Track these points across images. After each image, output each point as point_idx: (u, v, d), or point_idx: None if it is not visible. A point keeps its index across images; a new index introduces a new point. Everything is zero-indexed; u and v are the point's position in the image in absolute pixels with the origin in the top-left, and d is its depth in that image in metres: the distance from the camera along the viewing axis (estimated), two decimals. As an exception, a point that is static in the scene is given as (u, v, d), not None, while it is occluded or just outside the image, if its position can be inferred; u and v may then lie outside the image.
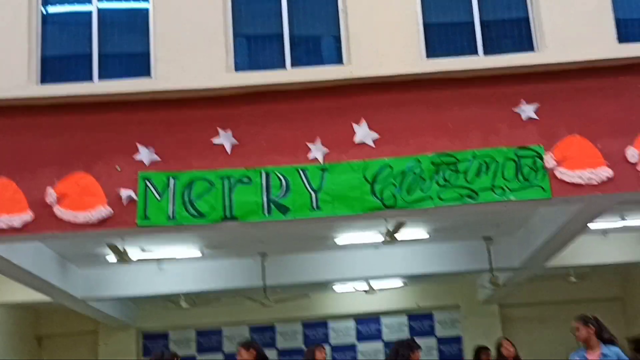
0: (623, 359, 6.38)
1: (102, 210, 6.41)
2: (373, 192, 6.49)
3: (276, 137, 6.61)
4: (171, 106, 6.67)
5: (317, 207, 6.46)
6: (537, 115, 6.65)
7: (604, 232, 10.22)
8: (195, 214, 6.46)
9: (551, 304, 13.65)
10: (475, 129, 6.62)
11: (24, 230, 6.41)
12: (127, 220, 6.44)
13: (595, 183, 6.47)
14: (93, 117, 6.66)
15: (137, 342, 13.64)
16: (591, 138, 6.58)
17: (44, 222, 6.41)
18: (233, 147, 6.58)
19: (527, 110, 6.65)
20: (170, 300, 12.12)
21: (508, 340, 8.51)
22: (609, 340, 6.53)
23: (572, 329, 6.59)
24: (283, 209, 6.46)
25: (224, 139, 6.59)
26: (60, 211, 6.43)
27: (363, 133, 6.60)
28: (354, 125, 6.59)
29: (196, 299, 11.85)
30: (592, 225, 8.99)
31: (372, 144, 6.59)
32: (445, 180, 6.52)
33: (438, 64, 6.75)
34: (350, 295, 13.19)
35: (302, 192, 6.48)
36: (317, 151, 6.56)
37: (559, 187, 6.49)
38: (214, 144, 6.59)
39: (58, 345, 13.57)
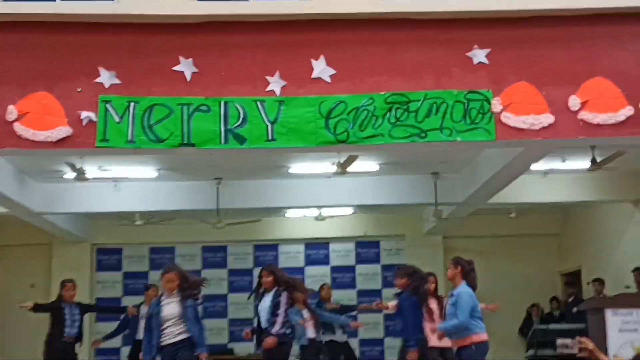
0: (463, 298, 7.16)
1: (62, 130, 6.54)
2: (327, 127, 6.73)
3: (236, 68, 6.77)
4: (134, 31, 6.75)
5: (273, 138, 6.70)
6: (488, 60, 6.91)
7: (545, 173, 10.70)
8: (154, 138, 6.65)
9: (491, 237, 14.29)
10: (428, 71, 6.86)
11: (-18, 145, 6.53)
12: (87, 141, 6.59)
13: (537, 129, 6.80)
14: (56, 37, 6.70)
15: (91, 256, 13.92)
16: (537, 85, 6.89)
17: (5, 139, 6.50)
18: (193, 75, 6.71)
19: (479, 55, 6.89)
20: (124, 217, 12.38)
21: (433, 275, 8.97)
22: (473, 285, 7.34)
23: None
24: (240, 139, 6.68)
25: (185, 66, 6.71)
26: (20, 128, 6.54)
27: (320, 69, 6.79)
28: (312, 61, 6.79)
29: (150, 218, 12.12)
30: (534, 166, 9.45)
31: (328, 80, 6.79)
32: (396, 118, 6.79)
33: (397, 5, 6.93)
34: (301, 220, 13.63)
35: (259, 123, 6.69)
36: (275, 84, 6.75)
37: (503, 130, 6.81)
38: (175, 71, 6.73)
39: (12, 256, 13.78)
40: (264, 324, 8.06)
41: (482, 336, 7.24)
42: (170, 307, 7.44)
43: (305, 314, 9.00)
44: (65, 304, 9.39)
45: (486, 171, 9.43)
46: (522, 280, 14.23)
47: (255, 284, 8.55)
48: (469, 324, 7.18)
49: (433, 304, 8.51)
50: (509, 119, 6.80)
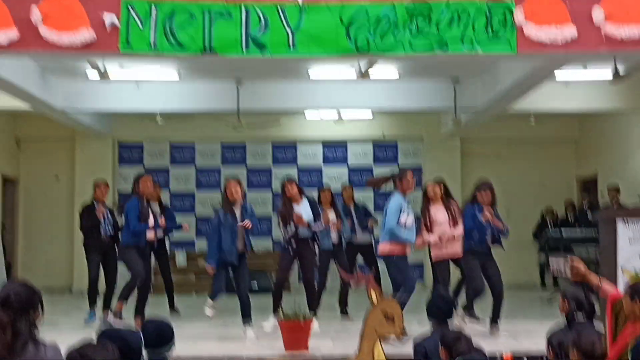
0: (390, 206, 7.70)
1: (86, 34, 6.61)
2: (348, 35, 6.76)
3: (258, -27, 6.74)
4: None
5: (294, 46, 6.75)
6: (512, -31, 6.81)
7: (566, 83, 10.64)
8: (176, 44, 6.72)
9: (509, 141, 14.34)
10: (451, -20, 6.80)
11: (9, 47, 6.62)
12: (110, 44, 6.67)
13: (559, 43, 6.78)
14: (78, -64, 6.69)
15: (113, 150, 14.16)
16: (560, -6, 6.81)
17: (29, 41, 6.60)
18: (215, -20, 6.71)
19: (504, -36, 6.82)
20: (146, 115, 12.53)
21: (437, 183, 8.60)
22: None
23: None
24: (260, 46, 6.73)
25: (207, -30, 6.71)
26: (45, 30, 6.61)
27: (343, -25, 6.75)
28: (335, -32, 6.74)
29: (171, 116, 12.27)
30: (556, 72, 9.40)
31: (351, -12, 6.76)
32: (417, 28, 6.80)
33: None
34: (319, 122, 13.71)
35: (280, 30, 6.73)
36: (296, -10, 6.73)
37: (524, 43, 6.80)
38: (197, -25, 6.70)
39: (36, 149, 14.07)
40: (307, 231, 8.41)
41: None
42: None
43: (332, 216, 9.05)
44: (98, 204, 9.54)
45: (507, 78, 9.40)
46: (538, 185, 14.37)
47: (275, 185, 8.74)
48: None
49: (437, 210, 8.25)
50: (531, 31, 6.77)
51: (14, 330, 3.01)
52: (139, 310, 8.57)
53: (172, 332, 3.67)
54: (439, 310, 4.40)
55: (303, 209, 8.39)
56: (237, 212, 7.89)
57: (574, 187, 14.67)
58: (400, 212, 7.59)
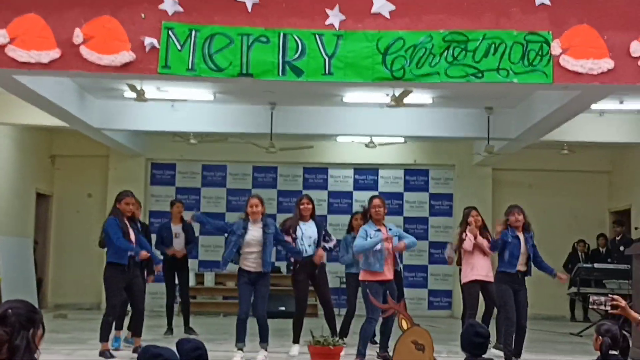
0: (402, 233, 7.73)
1: (126, 55, 6.74)
2: (384, 63, 6.80)
3: (296, 0, 6.83)
4: (197, -41, 6.84)
5: (330, 72, 6.81)
6: (549, 1, 6.83)
7: (601, 113, 10.59)
8: (214, 67, 6.82)
9: (541, 171, 14.25)
10: (488, 11, 6.84)
11: (50, 66, 6.77)
12: (149, 67, 6.79)
13: (595, 73, 6.77)
14: (122, -38, 6.84)
15: (146, 170, 14.31)
16: (599, 29, 6.81)
17: (70, 61, 6.74)
18: (254, 6, 6.81)
19: (541, -4, 6.84)
20: (179, 135, 12.68)
21: (476, 209, 8.61)
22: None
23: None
24: (297, 71, 6.80)
25: (246, -4, 6.81)
26: (86, 51, 6.75)
27: (380, 4, 6.81)
28: (373, -4, 6.80)
29: (204, 137, 12.39)
30: (592, 106, 9.37)
31: (387, 16, 6.82)
32: (454, 57, 6.83)
33: (456, -58, 6.85)
34: (351, 146, 13.74)
35: (317, 56, 6.80)
36: (334, 18, 6.80)
37: (561, 74, 6.80)
38: (236, 1, 6.81)
39: (70, 165, 14.27)
40: (310, 251, 8.23)
41: None
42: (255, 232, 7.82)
43: None
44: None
45: (542, 109, 9.38)
46: (571, 216, 14.24)
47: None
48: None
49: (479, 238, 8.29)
50: (567, 62, 6.76)
51: (10, 348, 2.99)
52: (136, 332, 8.24)
53: (207, 355, 3.67)
54: (473, 344, 4.35)
55: (308, 228, 8.31)
56: (252, 228, 7.84)
57: (607, 219, 14.50)
58: (366, 236, 7.41)
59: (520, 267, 7.79)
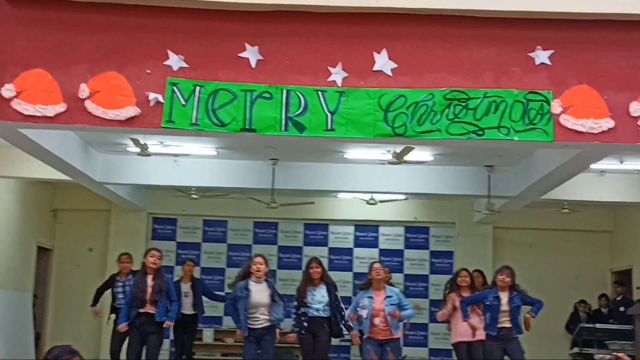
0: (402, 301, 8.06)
1: (131, 110, 6.80)
2: (385, 120, 6.85)
3: (299, 57, 6.91)
4: (203, 17, 6.93)
5: (332, 128, 6.86)
6: (550, 61, 6.92)
7: (601, 172, 10.63)
8: (217, 122, 6.87)
9: (542, 230, 14.24)
10: (489, 70, 6.91)
11: (56, 120, 6.81)
12: (153, 121, 6.83)
13: (596, 132, 6.82)
14: (128, 19, 6.93)
15: (147, 224, 14.33)
16: (599, 89, 6.89)
17: (76, 115, 6.79)
18: (258, 62, 6.89)
19: (542, 56, 6.91)
20: (181, 190, 12.71)
21: (466, 270, 9.07)
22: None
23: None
24: (299, 127, 6.85)
25: (250, 53, 6.89)
26: (91, 106, 6.81)
27: (382, 62, 6.89)
28: (374, 54, 6.89)
29: (206, 192, 12.43)
30: (592, 165, 9.42)
31: (389, 73, 6.89)
32: (455, 115, 6.87)
33: (461, 1, 6.98)
34: (352, 203, 13.76)
35: (319, 112, 6.85)
36: (337, 75, 6.88)
37: (561, 132, 6.84)
38: (240, 58, 6.90)
39: (72, 219, 14.29)
40: (322, 313, 8.35)
41: None
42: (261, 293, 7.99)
43: None
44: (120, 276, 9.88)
45: (542, 168, 9.43)
46: (571, 276, 14.17)
47: (304, 264, 8.86)
48: None
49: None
50: (568, 121, 6.81)
51: None
52: None
53: None
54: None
55: (317, 292, 8.40)
56: (255, 288, 7.99)
57: (608, 279, 14.44)
58: (357, 305, 8.05)
59: (504, 324, 8.07)
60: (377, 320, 7.77)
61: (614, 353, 4.39)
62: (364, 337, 7.88)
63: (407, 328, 8.46)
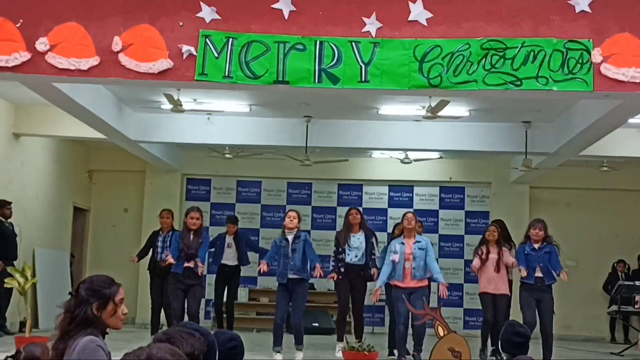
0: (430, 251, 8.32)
1: (164, 63, 6.78)
2: (420, 70, 6.74)
3: (333, 8, 6.81)
4: (235, -32, 6.88)
5: (366, 79, 6.77)
6: (590, 9, 6.73)
7: (641, 127, 10.41)
8: (250, 74, 6.82)
9: (580, 189, 14.02)
10: (527, 18, 6.75)
11: (90, 73, 6.82)
12: (186, 74, 6.82)
13: (638, 82, 6.64)
14: (161, -29, 6.91)
15: (182, 185, 14.39)
16: (641, 37, 6.70)
17: (109, 68, 6.79)
18: (291, 13, 6.81)
19: (582, 4, 6.72)
20: (214, 150, 12.73)
21: (496, 224, 9.40)
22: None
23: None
24: (333, 79, 6.77)
25: (283, 4, 6.80)
26: (124, 59, 6.80)
27: (417, 12, 6.76)
28: (410, 4, 6.76)
29: (239, 152, 12.43)
30: (631, 120, 9.21)
31: (424, 23, 6.77)
32: (492, 65, 6.74)
33: (499, -52, 6.80)
34: (386, 162, 13.66)
35: (353, 63, 6.77)
36: (371, 25, 6.77)
37: (601, 82, 6.68)
38: (273, 9, 6.82)
39: (107, 180, 14.41)
40: (358, 261, 8.83)
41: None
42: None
43: None
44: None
45: (581, 122, 9.24)
46: (610, 235, 13.96)
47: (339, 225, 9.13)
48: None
49: (492, 253, 8.92)
50: (608, 70, 6.65)
51: (71, 317, 3.09)
52: None
53: (243, 348, 3.61)
54: (512, 344, 4.27)
55: (356, 239, 8.89)
56: (290, 239, 8.37)
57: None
58: (389, 252, 8.35)
59: (538, 273, 8.39)
60: (407, 265, 8.10)
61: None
62: (392, 286, 8.26)
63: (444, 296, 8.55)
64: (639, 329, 12.54)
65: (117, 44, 6.74)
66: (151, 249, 10.31)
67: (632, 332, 12.78)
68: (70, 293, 3.33)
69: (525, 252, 8.44)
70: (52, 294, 11.63)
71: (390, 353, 9.01)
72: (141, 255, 10.60)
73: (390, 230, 13.95)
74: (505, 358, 4.42)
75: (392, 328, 9.00)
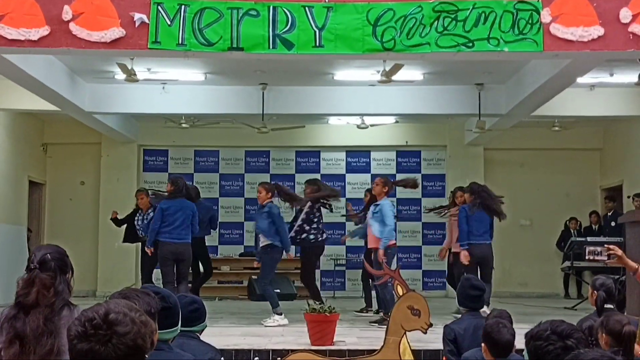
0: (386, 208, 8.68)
1: (116, 31, 6.72)
2: (374, 34, 6.80)
3: (286, -28, 6.81)
4: None
5: (320, 44, 6.80)
6: (539, -30, 6.83)
7: (591, 87, 10.61)
8: (204, 41, 6.80)
9: (532, 150, 14.28)
10: (477, -20, 6.83)
11: (40, 43, 6.73)
12: (139, 42, 6.77)
13: (586, 40, 6.78)
14: (109, -63, 6.81)
15: (138, 156, 14.28)
16: (588, -4, 6.82)
17: (60, 38, 6.71)
18: (243, -21, 6.79)
19: (531, -35, 6.84)
20: (170, 119, 12.65)
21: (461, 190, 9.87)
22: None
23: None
24: (288, 44, 6.79)
25: (236, -31, 6.78)
26: (75, 28, 6.72)
27: (369, -25, 6.79)
28: (362, -33, 6.79)
29: (196, 121, 12.37)
30: (580, 79, 9.41)
31: (377, -13, 6.80)
32: (444, 27, 6.83)
33: None
34: (343, 128, 13.74)
35: (307, 29, 6.79)
36: (323, -10, 6.79)
37: (551, 41, 6.80)
38: (225, -25, 6.78)
39: (63, 153, 14.22)
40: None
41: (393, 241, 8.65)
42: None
43: None
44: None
45: (532, 83, 9.40)
46: (562, 194, 14.27)
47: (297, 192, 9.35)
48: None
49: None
50: (558, 30, 6.77)
51: (55, 291, 3.08)
52: None
53: (205, 310, 3.68)
54: (469, 297, 4.40)
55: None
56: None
57: (598, 196, 14.56)
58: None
59: None
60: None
61: (605, 245, 4.42)
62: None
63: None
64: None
65: (67, 13, 6.65)
66: (133, 226, 10.54)
67: (585, 287, 13.15)
68: (33, 267, 3.24)
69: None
70: (9, 269, 11.51)
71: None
72: (119, 222, 10.95)
73: (347, 195, 14.12)
74: (463, 311, 4.56)
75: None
